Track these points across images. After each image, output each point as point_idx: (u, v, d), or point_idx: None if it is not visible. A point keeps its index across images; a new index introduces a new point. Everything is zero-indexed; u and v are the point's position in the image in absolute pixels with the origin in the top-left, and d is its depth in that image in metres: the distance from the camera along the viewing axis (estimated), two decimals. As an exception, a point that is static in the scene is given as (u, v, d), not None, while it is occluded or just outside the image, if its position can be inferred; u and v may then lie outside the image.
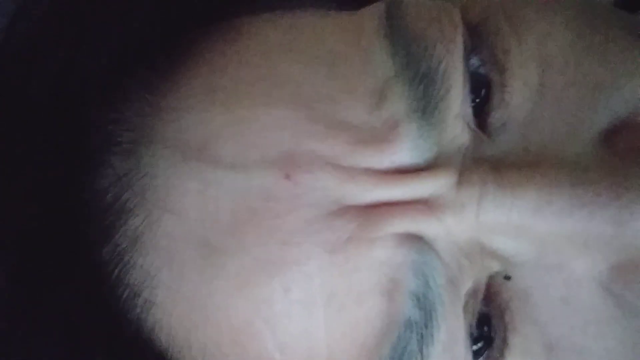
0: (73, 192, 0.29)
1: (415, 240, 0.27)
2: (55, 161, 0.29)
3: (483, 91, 0.29)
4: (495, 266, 0.28)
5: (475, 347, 0.29)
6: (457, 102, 0.28)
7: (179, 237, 0.28)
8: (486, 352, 0.28)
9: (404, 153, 0.27)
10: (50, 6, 0.31)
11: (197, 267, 0.28)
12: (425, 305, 0.27)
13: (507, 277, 0.28)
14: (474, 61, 0.29)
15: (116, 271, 0.29)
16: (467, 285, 0.28)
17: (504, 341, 0.28)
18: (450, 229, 0.28)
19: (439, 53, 0.28)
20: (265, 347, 0.28)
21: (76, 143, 0.29)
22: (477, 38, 0.29)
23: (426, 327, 0.27)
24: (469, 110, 0.29)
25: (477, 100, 0.29)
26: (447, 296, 0.27)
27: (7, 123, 0.30)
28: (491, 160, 0.28)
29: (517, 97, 0.29)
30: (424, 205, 0.27)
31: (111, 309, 0.29)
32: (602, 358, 0.28)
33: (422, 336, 0.27)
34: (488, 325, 0.29)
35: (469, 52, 0.29)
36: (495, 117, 0.29)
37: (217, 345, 0.29)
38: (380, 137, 0.27)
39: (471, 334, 0.28)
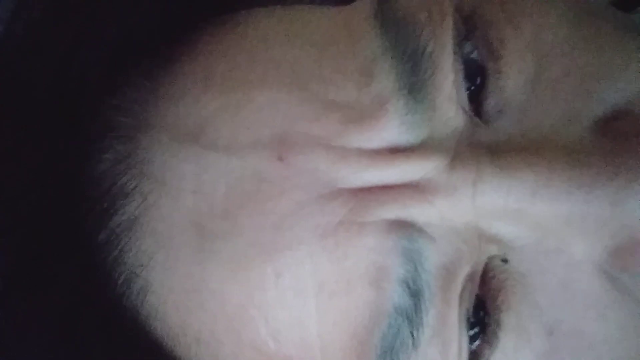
0: (71, 177, 0.30)
1: (406, 226, 0.27)
2: (54, 146, 0.30)
3: (479, 79, 0.29)
4: (492, 249, 0.28)
5: (471, 332, 0.28)
6: (446, 83, 0.28)
7: (174, 221, 0.28)
8: (481, 335, 0.28)
9: (392, 130, 0.27)
10: None
11: (191, 251, 0.28)
12: (414, 292, 0.27)
13: (504, 260, 0.28)
14: (469, 48, 0.29)
15: (113, 255, 0.29)
16: (465, 270, 0.28)
17: (498, 322, 0.28)
18: (443, 213, 0.27)
19: (426, 36, 0.28)
20: (258, 333, 0.28)
21: (75, 129, 0.30)
22: (471, 26, 0.29)
23: (416, 312, 0.27)
24: (464, 96, 0.29)
25: (473, 87, 0.29)
26: (436, 282, 0.27)
27: (7, 108, 0.30)
28: (487, 144, 0.28)
29: (512, 84, 0.29)
30: (414, 189, 0.27)
31: (108, 293, 0.30)
32: (601, 341, 0.28)
33: (411, 322, 0.27)
34: (483, 310, 0.28)
35: (462, 39, 0.29)
36: (491, 103, 0.29)
37: (211, 332, 0.29)
38: (368, 114, 0.27)
39: (468, 318, 0.28)
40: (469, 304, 0.28)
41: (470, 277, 0.28)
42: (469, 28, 0.29)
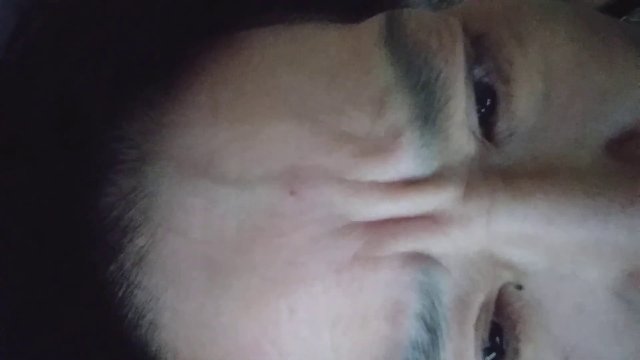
0: (77, 211, 0.29)
1: (422, 259, 0.27)
2: (59, 180, 0.29)
3: (489, 101, 0.29)
4: (507, 276, 0.28)
5: (488, 358, 0.28)
6: (459, 111, 0.28)
7: (184, 256, 0.28)
8: None
9: (407, 163, 0.27)
10: (50, 24, 0.31)
11: (203, 286, 0.28)
12: (431, 327, 0.27)
13: (519, 287, 0.28)
14: (479, 71, 0.29)
15: (121, 291, 0.29)
16: (480, 299, 0.28)
17: (516, 352, 0.28)
18: (458, 243, 0.27)
19: (438, 64, 0.27)
20: None
21: (80, 162, 0.29)
22: (480, 49, 0.29)
23: (433, 347, 0.27)
24: (475, 120, 0.28)
25: (483, 110, 0.29)
26: (453, 315, 0.27)
27: (10, 142, 0.29)
28: (500, 170, 0.28)
29: (523, 107, 0.28)
30: (429, 220, 0.27)
31: (116, 329, 0.29)
32: None
33: (429, 357, 0.27)
34: (500, 336, 0.28)
35: (472, 63, 0.29)
36: (502, 127, 0.29)
37: None
38: (383, 147, 0.27)
39: (484, 348, 0.28)
40: (484, 334, 0.28)
41: (485, 306, 0.28)
42: (478, 50, 0.29)
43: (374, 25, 0.29)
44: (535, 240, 0.27)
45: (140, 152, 0.29)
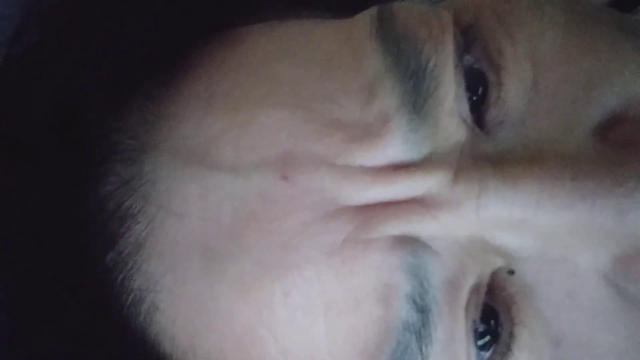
0: (77, 200, 0.30)
1: (411, 242, 0.27)
2: (59, 170, 0.30)
3: (480, 89, 0.29)
4: (498, 261, 0.28)
5: (481, 342, 0.28)
6: (448, 99, 0.28)
7: (181, 242, 0.28)
8: (493, 346, 0.28)
9: (396, 148, 0.27)
10: (52, 19, 0.32)
11: (199, 272, 0.28)
12: (422, 308, 0.27)
13: (511, 272, 0.28)
14: (469, 60, 0.29)
15: (120, 277, 0.29)
16: (469, 282, 0.28)
17: (511, 335, 0.28)
18: (448, 227, 0.28)
19: (428, 52, 0.28)
20: (268, 352, 0.28)
21: (80, 152, 0.30)
22: (470, 37, 0.30)
23: (424, 328, 0.27)
24: (465, 107, 0.29)
25: (475, 97, 0.29)
26: (443, 296, 0.27)
27: (11, 133, 0.30)
28: (490, 156, 0.28)
29: (513, 94, 0.29)
30: (419, 204, 0.27)
31: (116, 315, 0.30)
32: (608, 350, 0.28)
33: (420, 337, 0.27)
34: (495, 320, 0.29)
35: (461, 52, 0.29)
36: (493, 114, 0.29)
37: (221, 351, 0.29)
38: (372, 132, 0.27)
39: (475, 330, 0.28)
40: (475, 316, 0.28)
41: (475, 289, 0.28)
42: (468, 39, 0.30)
43: (366, 17, 0.30)
44: (524, 224, 0.27)
45: (140, 143, 0.30)
